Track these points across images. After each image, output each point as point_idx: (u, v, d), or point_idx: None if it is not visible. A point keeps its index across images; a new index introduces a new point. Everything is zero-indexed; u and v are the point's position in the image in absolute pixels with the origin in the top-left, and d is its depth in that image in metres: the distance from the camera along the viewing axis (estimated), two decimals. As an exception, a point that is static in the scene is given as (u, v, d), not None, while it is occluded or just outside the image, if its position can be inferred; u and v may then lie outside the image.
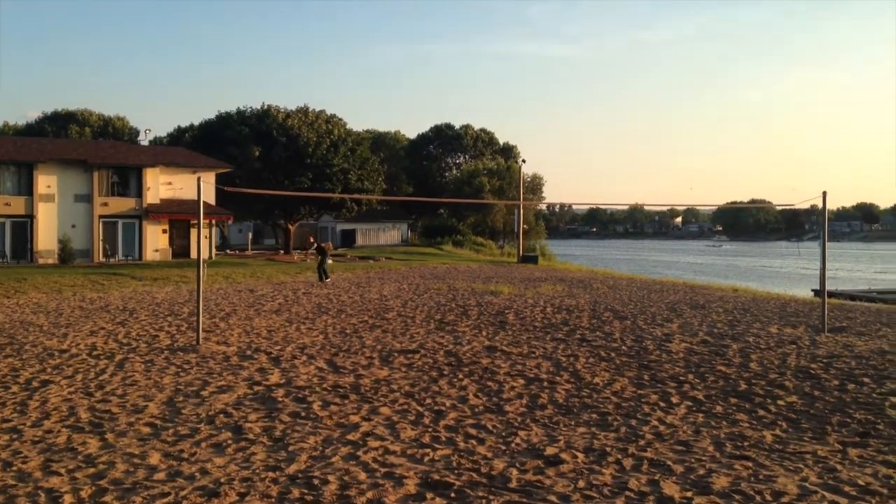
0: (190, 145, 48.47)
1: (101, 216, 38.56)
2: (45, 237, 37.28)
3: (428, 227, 73.47)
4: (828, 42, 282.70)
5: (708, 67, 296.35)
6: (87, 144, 48.61)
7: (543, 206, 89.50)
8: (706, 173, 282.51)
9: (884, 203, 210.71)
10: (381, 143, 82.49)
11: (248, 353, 11.75)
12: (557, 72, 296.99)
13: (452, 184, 75.54)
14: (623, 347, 12.48)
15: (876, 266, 78.35)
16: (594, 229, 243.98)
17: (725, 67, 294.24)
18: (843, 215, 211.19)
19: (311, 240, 29.25)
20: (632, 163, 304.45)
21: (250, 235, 57.56)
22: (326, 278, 26.50)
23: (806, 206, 17.12)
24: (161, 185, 40.52)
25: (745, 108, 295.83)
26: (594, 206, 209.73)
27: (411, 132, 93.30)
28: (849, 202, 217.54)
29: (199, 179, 12.84)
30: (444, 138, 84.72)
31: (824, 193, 15.38)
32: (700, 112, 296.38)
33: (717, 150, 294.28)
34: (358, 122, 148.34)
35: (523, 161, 59.87)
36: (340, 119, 52.51)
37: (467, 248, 60.65)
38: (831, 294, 28.79)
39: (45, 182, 37.50)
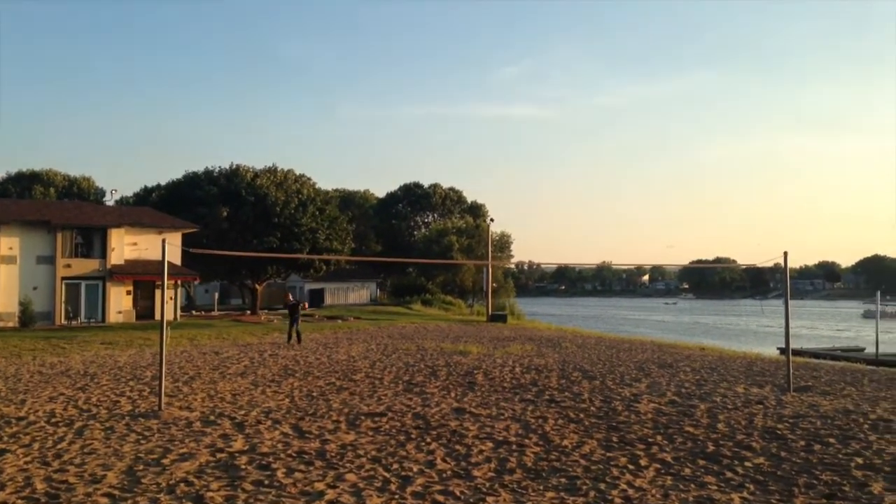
0: (157, 205, 48.21)
1: (63, 278, 37.92)
2: (6, 300, 36.50)
3: (397, 285, 73.36)
4: (789, 106, 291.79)
5: (674, 129, 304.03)
6: (51, 205, 48.10)
7: (512, 265, 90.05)
8: (673, 231, 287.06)
9: (845, 262, 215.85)
10: (350, 201, 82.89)
11: (212, 418, 11.50)
12: (525, 132, 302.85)
13: (421, 242, 75.81)
14: (592, 408, 12.44)
15: (839, 324, 79.55)
16: (563, 287, 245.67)
17: (690, 129, 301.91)
18: (806, 274, 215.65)
19: (290, 298, 28.65)
20: (599, 221, 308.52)
21: (216, 296, 56.93)
22: (299, 341, 25.87)
23: (769, 264, 17.47)
24: (126, 245, 40.09)
25: (710, 168, 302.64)
26: (563, 265, 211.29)
27: (380, 191, 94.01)
28: (811, 261, 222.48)
29: (163, 241, 12.73)
30: (413, 197, 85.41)
31: (785, 253, 15.69)
32: (665, 171, 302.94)
33: (683, 208, 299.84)
34: (327, 181, 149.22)
35: (491, 220, 60.47)
36: (309, 178, 52.78)
37: (436, 307, 60.50)
38: (796, 352, 29.16)
39: (7, 244, 36.88)
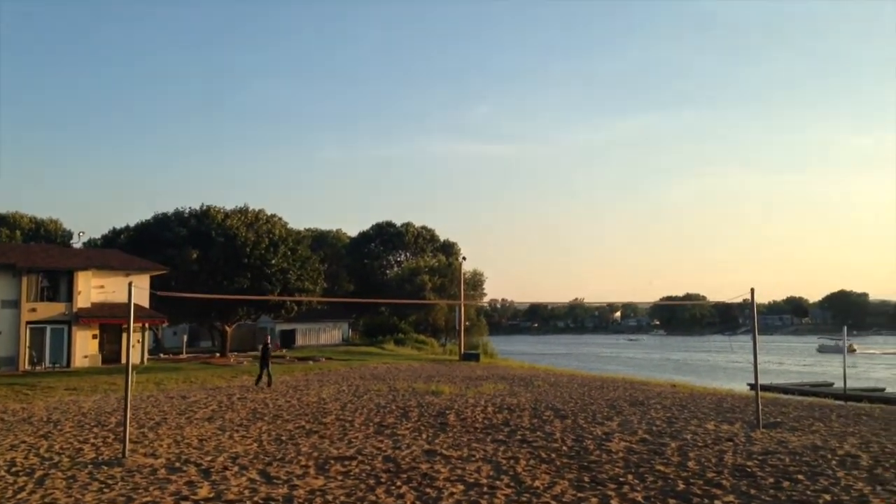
0: (125, 247, 47.66)
1: (28, 322, 37.13)
2: (-32, 344, 35.65)
3: (369, 325, 72.95)
4: (756, 144, 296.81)
5: (646, 166, 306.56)
6: (17, 248, 47.37)
7: (485, 303, 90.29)
8: (644, 268, 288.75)
9: (812, 297, 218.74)
10: (322, 241, 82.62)
11: (178, 464, 11.27)
12: (498, 170, 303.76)
13: (394, 282, 75.65)
14: (564, 448, 12.41)
15: (806, 359, 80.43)
16: (535, 325, 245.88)
17: (663, 166, 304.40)
18: (774, 309, 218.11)
19: (268, 340, 28.62)
20: (572, 258, 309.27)
21: (185, 338, 56.06)
22: (269, 384, 25.64)
23: (739, 300, 17.71)
24: (93, 288, 39.48)
25: (681, 206, 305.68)
26: (536, 304, 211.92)
27: (353, 230, 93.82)
28: (780, 296, 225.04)
29: (129, 284, 12.61)
30: (386, 236, 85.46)
31: (752, 290, 15.93)
32: (638, 209, 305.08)
33: (655, 245, 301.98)
34: (299, 220, 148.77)
35: (463, 258, 60.64)
36: (280, 218, 52.61)
37: (409, 347, 60.23)
38: (765, 388, 29.34)
39: (-29, 287, 36.16)
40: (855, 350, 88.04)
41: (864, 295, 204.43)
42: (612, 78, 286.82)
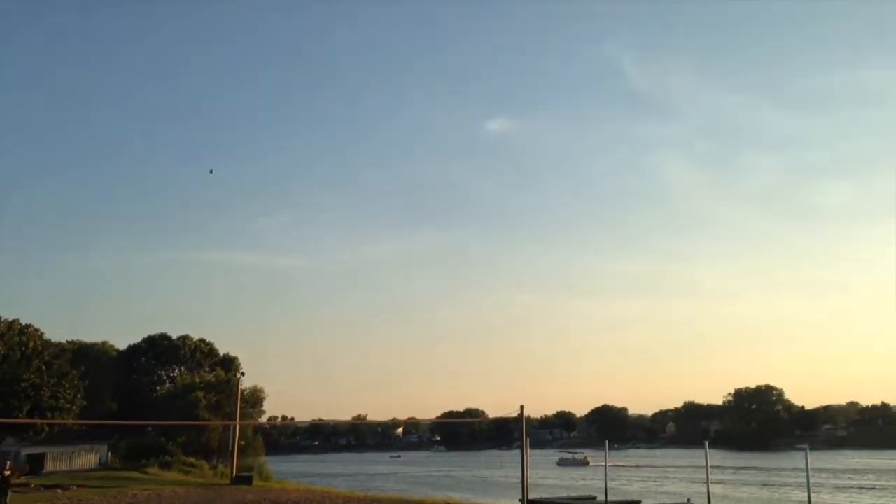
0: None
1: None
2: None
3: (132, 447, 67.27)
4: (522, 267, 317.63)
5: (428, 284, 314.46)
6: None
7: (263, 421, 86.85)
8: (426, 383, 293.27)
9: (580, 412, 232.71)
10: (85, 354, 76.26)
11: None
12: (282, 283, 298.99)
13: (164, 399, 71.04)
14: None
15: (573, 473, 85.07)
16: (316, 443, 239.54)
17: (443, 284, 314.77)
18: (547, 423, 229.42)
19: (8, 466, 25.73)
20: (355, 374, 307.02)
21: None
22: None
23: (514, 415, 18.88)
24: None
25: (460, 322, 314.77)
26: (317, 421, 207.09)
27: (122, 342, 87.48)
28: (551, 411, 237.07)
29: None
30: (160, 349, 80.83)
31: (521, 407, 17.12)
32: (420, 325, 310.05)
33: (438, 361, 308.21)
34: (61, 332, 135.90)
35: (242, 374, 58.66)
36: (37, 330, 48.29)
37: (176, 471, 56.29)
38: (535, 502, 30.72)
39: None
40: (588, 463, 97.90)
41: (624, 410, 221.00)
42: (398, 198, 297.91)
